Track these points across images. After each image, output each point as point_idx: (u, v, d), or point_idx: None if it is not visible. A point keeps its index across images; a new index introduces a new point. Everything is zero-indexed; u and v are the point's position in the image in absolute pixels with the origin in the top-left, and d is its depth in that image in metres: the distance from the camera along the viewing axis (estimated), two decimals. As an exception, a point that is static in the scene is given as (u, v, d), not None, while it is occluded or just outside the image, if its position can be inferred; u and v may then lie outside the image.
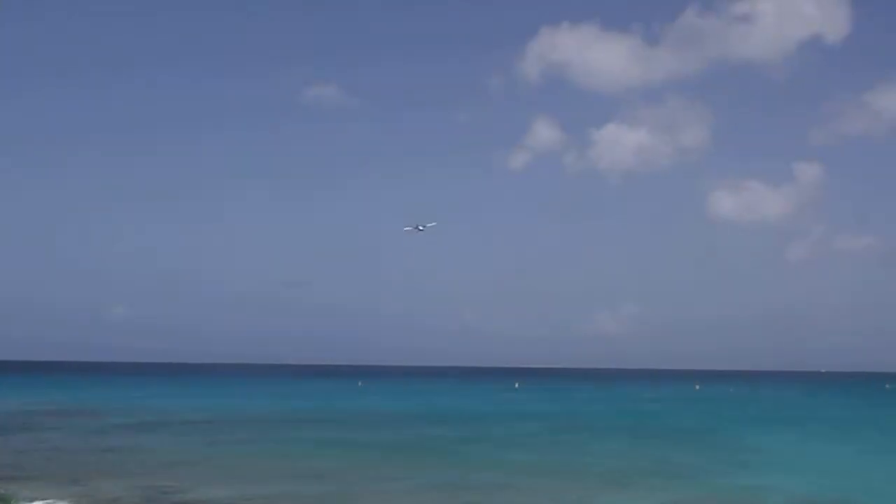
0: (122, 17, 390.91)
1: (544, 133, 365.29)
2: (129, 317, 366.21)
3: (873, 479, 46.99)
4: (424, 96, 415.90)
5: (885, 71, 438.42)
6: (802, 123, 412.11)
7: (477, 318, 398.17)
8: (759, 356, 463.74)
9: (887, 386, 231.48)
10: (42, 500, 36.17)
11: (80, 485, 40.77)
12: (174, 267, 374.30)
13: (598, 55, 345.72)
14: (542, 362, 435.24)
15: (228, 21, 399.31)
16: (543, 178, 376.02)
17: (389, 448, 60.25)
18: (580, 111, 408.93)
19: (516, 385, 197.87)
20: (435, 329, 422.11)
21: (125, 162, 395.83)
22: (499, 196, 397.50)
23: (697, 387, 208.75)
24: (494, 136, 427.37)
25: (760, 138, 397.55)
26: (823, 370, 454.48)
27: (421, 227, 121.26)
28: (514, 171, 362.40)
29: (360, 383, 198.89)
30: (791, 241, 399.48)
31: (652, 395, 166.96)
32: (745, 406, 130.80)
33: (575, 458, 55.59)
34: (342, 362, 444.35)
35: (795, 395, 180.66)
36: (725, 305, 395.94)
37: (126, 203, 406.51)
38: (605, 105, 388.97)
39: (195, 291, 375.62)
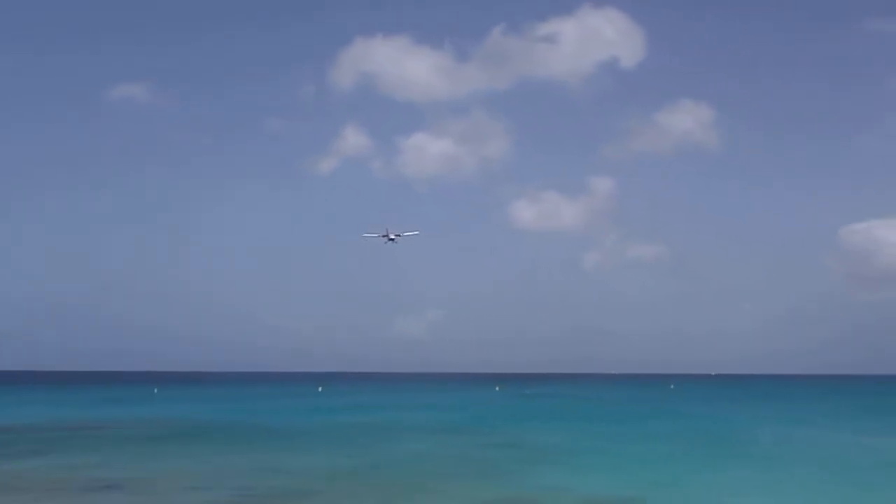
0: None
1: (353, 140, 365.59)
2: None
3: (660, 475, 49.20)
4: (237, 101, 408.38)
5: (673, 94, 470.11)
6: (598, 139, 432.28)
7: (280, 323, 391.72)
8: (556, 359, 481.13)
9: (672, 386, 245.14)
10: None
11: None
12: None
13: (409, 67, 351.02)
14: (348, 367, 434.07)
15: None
16: (351, 184, 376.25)
17: (188, 455, 57.58)
18: (389, 120, 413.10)
19: (319, 389, 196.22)
20: (236, 335, 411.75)
21: None
22: (306, 201, 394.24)
23: (497, 388, 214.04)
24: (304, 143, 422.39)
25: (559, 152, 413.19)
26: (615, 372, 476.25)
27: (393, 237, 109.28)
28: (322, 177, 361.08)
29: (155, 390, 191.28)
30: (586, 250, 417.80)
31: (454, 397, 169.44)
32: (540, 406, 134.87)
33: (377, 461, 55.19)
34: (139, 369, 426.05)
35: (589, 395, 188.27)
36: (524, 310, 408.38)
37: None
38: (414, 115, 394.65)
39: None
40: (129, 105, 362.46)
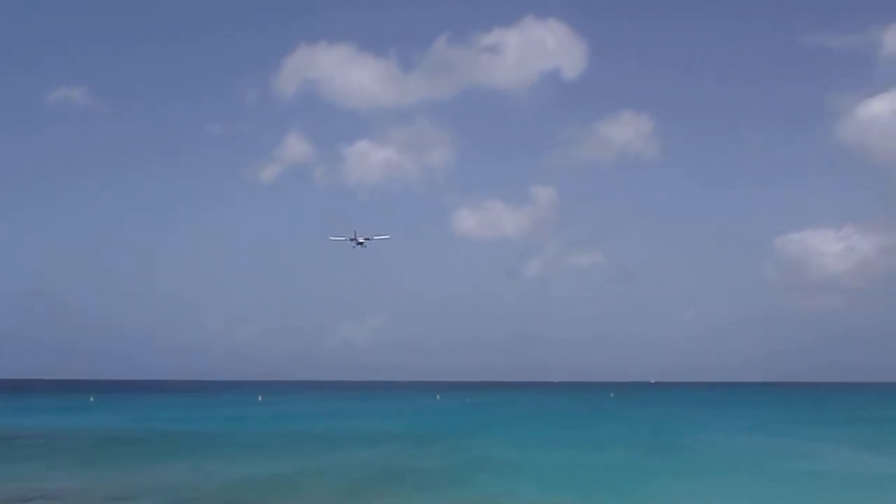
0: None
1: (296, 147, 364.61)
2: None
3: (601, 482, 49.89)
4: (179, 106, 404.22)
5: (613, 105, 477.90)
6: (540, 149, 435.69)
7: (223, 330, 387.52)
8: (497, 367, 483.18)
9: (612, 394, 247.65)
10: None
11: None
12: None
13: (353, 75, 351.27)
14: (287, 375, 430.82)
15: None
16: (293, 191, 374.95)
17: (124, 465, 57.01)
18: (332, 127, 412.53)
19: (259, 397, 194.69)
20: (177, 341, 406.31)
21: None
22: (248, 207, 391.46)
23: (438, 397, 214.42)
24: (247, 149, 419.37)
25: (502, 161, 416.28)
26: (556, 380, 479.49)
27: (362, 240, 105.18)
28: (264, 184, 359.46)
29: (91, 398, 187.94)
30: (528, 258, 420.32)
31: (394, 405, 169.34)
32: (482, 414, 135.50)
33: (317, 469, 55.17)
34: (75, 377, 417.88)
35: (529, 403, 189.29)
36: (466, 318, 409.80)
37: None
38: (357, 123, 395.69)
39: None
40: (67, 109, 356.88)
